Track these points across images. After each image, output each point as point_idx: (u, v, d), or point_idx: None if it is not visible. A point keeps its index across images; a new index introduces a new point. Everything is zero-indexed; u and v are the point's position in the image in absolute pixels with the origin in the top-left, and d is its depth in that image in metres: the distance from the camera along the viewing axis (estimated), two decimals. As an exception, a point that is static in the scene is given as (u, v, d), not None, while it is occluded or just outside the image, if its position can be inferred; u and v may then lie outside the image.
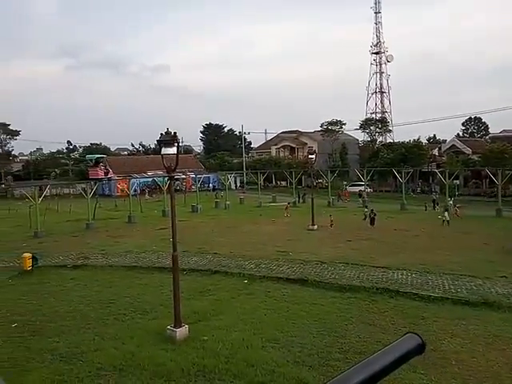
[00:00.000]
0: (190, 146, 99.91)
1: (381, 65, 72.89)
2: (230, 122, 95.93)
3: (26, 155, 78.92)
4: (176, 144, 9.95)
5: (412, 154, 46.97)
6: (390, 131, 61.25)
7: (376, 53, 72.88)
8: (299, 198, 44.12)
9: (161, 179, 54.97)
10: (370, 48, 72.88)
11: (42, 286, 14.91)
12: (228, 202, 39.94)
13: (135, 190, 49.12)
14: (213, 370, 8.48)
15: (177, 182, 62.03)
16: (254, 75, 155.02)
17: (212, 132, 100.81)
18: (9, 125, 59.59)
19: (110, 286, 14.73)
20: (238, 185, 66.26)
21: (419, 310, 11.78)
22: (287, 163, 61.49)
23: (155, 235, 25.18)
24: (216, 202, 42.13)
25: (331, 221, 26.27)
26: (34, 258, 16.84)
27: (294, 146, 72.33)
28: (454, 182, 42.25)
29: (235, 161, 73.87)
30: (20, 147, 74.31)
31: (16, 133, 60.37)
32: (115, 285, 14.82)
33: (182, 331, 10.13)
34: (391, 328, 10.55)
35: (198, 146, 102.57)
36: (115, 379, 8.30)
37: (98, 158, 34.70)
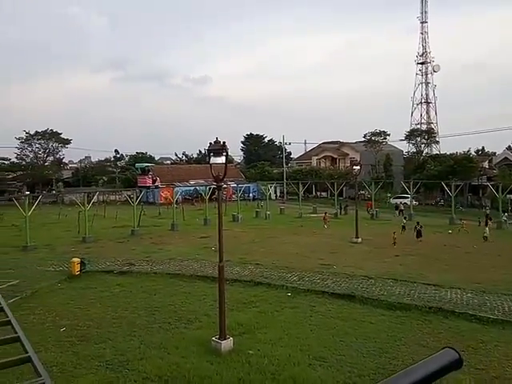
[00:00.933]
0: (230, 156, 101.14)
1: (427, 75, 70.67)
2: (270, 132, 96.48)
3: (76, 163, 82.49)
4: (225, 153, 9.87)
5: (461, 166, 44.87)
6: (436, 142, 59.01)
7: (422, 63, 70.79)
8: (341, 209, 43.20)
9: (203, 188, 55.89)
10: (416, 58, 70.93)
11: (90, 290, 15.24)
12: (268, 212, 39.72)
13: (178, 199, 50.03)
14: (259, 386, 8.20)
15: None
16: (294, 86, 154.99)
17: (253, 142, 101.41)
18: (61, 134, 62.68)
19: (154, 293, 14.83)
20: (278, 195, 65.96)
21: (477, 332, 10.98)
22: (328, 174, 60.61)
23: (197, 243, 25.35)
24: (256, 211, 42.02)
25: (394, 238, 23.96)
26: (82, 263, 17.32)
27: (335, 156, 71.33)
28: (508, 196, 39.88)
29: (275, 171, 73.75)
30: (70, 155, 77.88)
31: (67, 141, 63.34)
32: (159, 292, 14.91)
33: (227, 343, 9.94)
34: (448, 352, 9.85)
35: (238, 156, 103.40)
36: (161, 391, 8.20)
37: (146, 166, 35.69)
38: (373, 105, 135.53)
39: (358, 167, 25.78)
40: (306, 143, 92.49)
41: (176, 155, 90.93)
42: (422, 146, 59.60)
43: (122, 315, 12.58)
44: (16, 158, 61.51)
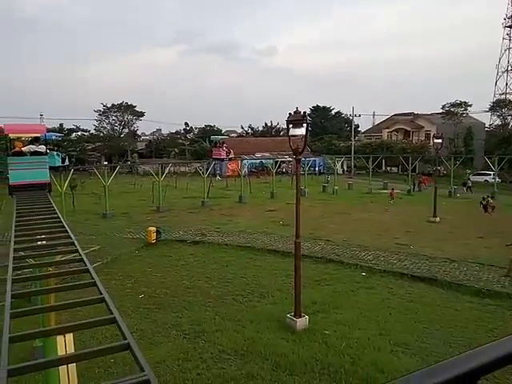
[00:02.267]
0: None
1: (516, 39, 63.27)
2: (338, 104, 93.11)
3: (148, 135, 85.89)
4: (305, 124, 9.30)
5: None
6: (526, 114, 53.11)
7: (510, 26, 63.35)
8: (414, 185, 40.82)
9: (268, 161, 55.68)
10: (504, 21, 63.55)
11: (165, 259, 15.75)
12: (336, 187, 38.61)
13: (245, 172, 50.41)
14: (338, 370, 7.86)
15: (282, 165, 62.38)
16: (363, 56, 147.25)
17: (319, 114, 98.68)
18: (135, 106, 65.32)
19: (226, 264, 14.96)
20: (345, 169, 64.02)
21: None
22: (401, 148, 57.40)
23: (265, 216, 25.27)
24: (323, 186, 41.07)
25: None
26: (157, 232, 17.92)
27: (408, 129, 67.24)
28: None
29: (342, 144, 71.36)
30: (143, 128, 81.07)
31: (141, 114, 65.92)
32: (231, 264, 15.01)
33: (302, 321, 9.68)
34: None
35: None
36: (238, 365, 8.16)
37: (221, 139, 36.04)
38: (454, 74, 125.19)
39: (440, 140, 23.79)
40: (374, 115, 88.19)
41: (242, 128, 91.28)
42: (509, 118, 54.02)
43: (197, 285, 12.81)
44: (94, 129, 65.38)
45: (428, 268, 14.07)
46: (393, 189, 34.10)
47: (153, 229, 17.89)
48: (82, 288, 4.12)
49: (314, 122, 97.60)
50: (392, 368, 7.88)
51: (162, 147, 67.72)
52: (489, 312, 10.67)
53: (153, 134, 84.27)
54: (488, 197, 27.11)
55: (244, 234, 19.78)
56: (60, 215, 8.89)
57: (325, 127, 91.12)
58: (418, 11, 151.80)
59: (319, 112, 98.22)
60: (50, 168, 20.96)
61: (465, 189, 38.05)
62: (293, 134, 9.54)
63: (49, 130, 19.74)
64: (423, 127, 65.62)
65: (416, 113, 71.24)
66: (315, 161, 62.99)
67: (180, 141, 69.54)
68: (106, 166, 41.21)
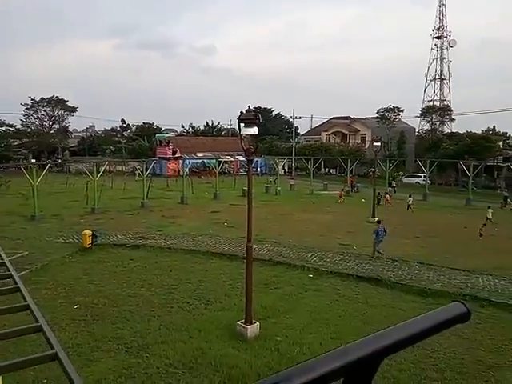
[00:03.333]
0: (235, 129, 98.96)
1: (442, 50, 68.12)
2: (277, 106, 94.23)
3: (80, 132, 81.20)
4: (257, 123, 8.93)
5: (479, 145, 43.54)
6: (452, 120, 57.29)
7: (438, 37, 68.02)
8: (352, 187, 42.29)
9: (211, 161, 54.93)
10: (432, 32, 68.17)
11: (103, 265, 14.63)
12: (279, 188, 38.89)
13: (186, 172, 49.24)
14: (293, 378, 7.54)
15: (225, 165, 61.85)
16: (303, 60, 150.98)
17: (261, 116, 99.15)
18: (67, 101, 61.34)
19: (170, 269, 14.20)
20: (287, 170, 64.95)
21: (518, 324, 10.28)
22: (339, 150, 59.34)
23: (209, 218, 24.65)
24: (266, 187, 41.18)
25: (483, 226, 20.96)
26: (93, 236, 16.67)
27: (346, 132, 69.81)
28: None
29: (283, 146, 72.36)
30: (74, 124, 76.55)
31: (73, 109, 62.00)
32: (175, 269, 14.27)
33: (252, 328, 9.30)
34: (490, 344, 9.20)
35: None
36: (186, 379, 7.58)
37: (167, 137, 34.70)
38: (383, 81, 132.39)
39: (379, 144, 24.70)
40: (312, 118, 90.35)
41: (183, 127, 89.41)
42: (437, 123, 57.94)
43: (139, 293, 11.96)
44: (21, 124, 60.49)
45: (372, 268, 14.36)
46: (342, 189, 35.47)
47: (88, 232, 16.59)
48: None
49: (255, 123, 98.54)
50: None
51: (96, 145, 64.23)
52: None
53: (86, 130, 79.78)
54: (410, 196, 30.25)
55: (188, 236, 19.05)
56: None
57: (266, 128, 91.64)
58: (355, 18, 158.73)
59: (261, 113, 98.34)
60: None
61: (390, 189, 40.17)
62: (245, 133, 9.13)
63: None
64: (359, 131, 68.50)
65: (352, 117, 74.12)
66: (257, 161, 63.28)
67: (116, 138, 66.47)
68: (34, 163, 38.14)
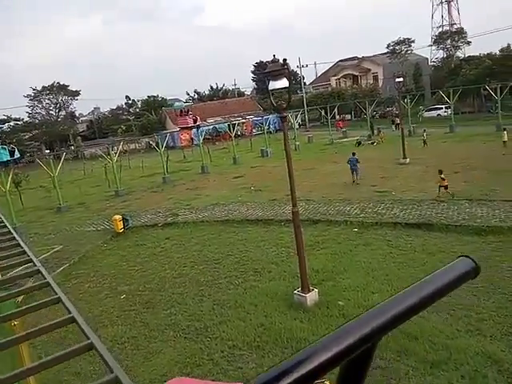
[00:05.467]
0: (238, 88, 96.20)
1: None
2: (281, 57, 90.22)
3: (86, 115, 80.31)
4: (286, 74, 7.91)
5: (501, 66, 40.87)
6: (468, 44, 53.85)
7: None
8: (373, 130, 40.72)
9: (222, 126, 53.67)
10: None
11: (139, 248, 14.23)
12: (298, 143, 37.68)
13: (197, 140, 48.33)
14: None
15: (237, 128, 60.49)
16: (295, 4, 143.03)
17: (263, 70, 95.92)
18: (68, 86, 60.16)
19: (208, 243, 13.69)
20: (300, 123, 63.15)
21: None
22: (352, 93, 57.05)
23: (234, 184, 23.96)
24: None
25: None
26: (124, 219, 16.22)
27: (356, 73, 66.86)
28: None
29: (293, 98, 70.01)
30: (80, 108, 75.48)
31: (76, 93, 60.89)
32: (213, 242, 13.76)
33: (311, 296, 8.73)
34: None
35: (249, 88, 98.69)
36: (255, 361, 7.12)
37: (186, 106, 33.39)
38: (385, 12, 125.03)
39: (401, 79, 23.07)
40: (316, 64, 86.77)
41: (188, 94, 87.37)
42: (452, 49, 54.68)
43: (183, 272, 11.52)
44: (28, 117, 59.94)
45: (419, 213, 13.53)
46: (379, 130, 35.76)
47: (118, 217, 16.14)
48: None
49: (260, 79, 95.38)
50: (427, 333, 7.13)
51: (104, 126, 63.45)
52: (496, 250, 10.22)
53: (92, 113, 78.80)
54: (424, 131, 29.69)
55: (218, 206, 18.45)
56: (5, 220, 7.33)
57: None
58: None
59: (263, 68, 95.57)
60: None
61: (393, 126, 39.01)
62: (273, 87, 8.14)
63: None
64: (370, 70, 65.47)
65: (360, 56, 70.77)
66: (269, 118, 61.67)
67: (124, 116, 65.46)
68: (48, 154, 37.79)
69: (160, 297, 10.16)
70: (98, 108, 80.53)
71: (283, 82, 8.06)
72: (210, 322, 8.62)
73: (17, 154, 17.90)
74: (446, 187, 15.12)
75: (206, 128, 56.50)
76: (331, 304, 8.63)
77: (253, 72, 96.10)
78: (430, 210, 13.59)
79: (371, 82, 63.14)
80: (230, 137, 36.05)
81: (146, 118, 60.19)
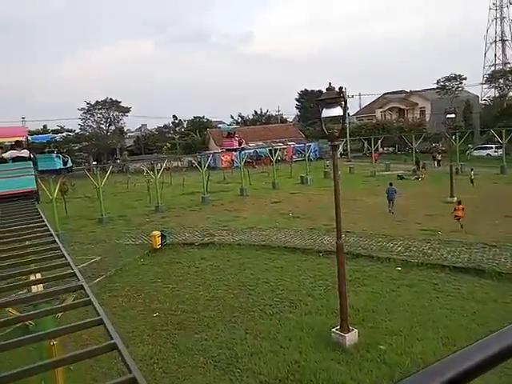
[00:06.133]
0: (281, 115, 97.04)
1: (502, 9, 61.80)
2: (323, 87, 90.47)
3: (133, 131, 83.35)
4: (342, 103, 7.73)
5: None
6: (524, 83, 51.88)
7: (496, -5, 61.86)
8: (418, 165, 39.56)
9: (263, 150, 54.02)
10: (490, -11, 61.99)
11: (175, 266, 14.19)
12: (339, 172, 37.07)
13: (237, 162, 48.83)
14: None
15: (278, 153, 60.71)
16: (347, 35, 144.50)
17: (308, 98, 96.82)
18: (120, 102, 62.85)
19: (243, 268, 13.45)
20: (342, 153, 62.58)
21: None
22: (398, 127, 56.10)
23: (272, 209, 23.74)
24: (325, 172, 39.62)
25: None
26: (162, 236, 16.33)
27: (402, 107, 65.92)
28: None
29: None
30: (128, 124, 78.32)
31: (127, 110, 63.53)
32: (249, 267, 13.51)
33: (351, 336, 8.23)
34: None
35: (291, 115, 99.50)
36: (288, 401, 6.71)
37: (233, 128, 33.94)
38: (436, 49, 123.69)
39: (453, 115, 22.39)
40: (360, 96, 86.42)
41: (232, 117, 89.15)
42: (506, 88, 52.85)
43: (216, 295, 11.30)
44: (80, 129, 62.90)
45: (468, 256, 12.73)
46: (419, 164, 35.64)
47: (157, 233, 16.28)
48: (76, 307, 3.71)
49: (304, 106, 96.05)
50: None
51: (151, 143, 65.50)
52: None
53: (139, 129, 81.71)
54: (472, 170, 28.44)
55: (255, 230, 18.24)
56: (50, 227, 7.50)
57: (315, 111, 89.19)
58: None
59: (308, 96, 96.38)
60: (51, 171, 19.33)
61: (435, 163, 39.81)
62: (327, 115, 7.98)
63: (32, 133, 17.98)
64: (417, 104, 64.41)
65: (408, 90, 69.89)
66: (310, 146, 61.55)
67: (169, 135, 67.40)
68: (95, 166, 39.26)
69: (192, 319, 9.96)
70: (145, 125, 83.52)
71: (337, 111, 7.88)
72: (242, 351, 8.29)
73: (69, 164, 18.54)
74: (458, 218, 15.95)
75: (248, 151, 57.16)
76: (372, 347, 8.10)
77: (297, 99, 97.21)
78: (480, 255, 12.75)
79: (418, 116, 62.00)
80: (271, 161, 36.16)
81: (191, 138, 61.65)
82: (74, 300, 4.62)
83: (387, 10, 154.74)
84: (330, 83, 7.87)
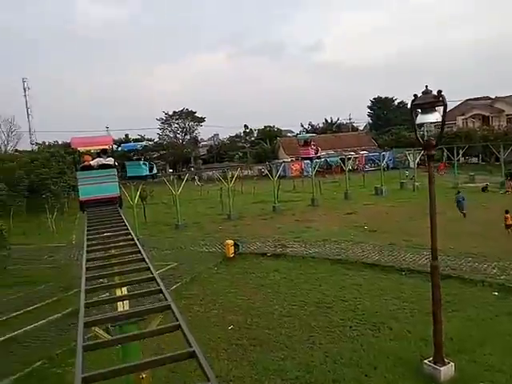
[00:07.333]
0: (352, 123, 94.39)
1: None
2: (399, 94, 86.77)
3: (206, 141, 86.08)
4: (442, 107, 6.95)
5: None
6: None
7: None
8: (508, 177, 36.07)
9: (334, 159, 52.83)
10: None
11: (248, 276, 14.01)
12: (417, 183, 35.02)
13: (307, 171, 48.18)
14: None
15: (349, 162, 59.08)
16: (422, 42, 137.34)
17: (381, 106, 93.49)
18: (195, 112, 65.31)
19: (318, 283, 12.87)
20: (419, 162, 59.21)
21: None
22: (482, 135, 51.91)
23: (345, 221, 22.82)
24: (401, 182, 37.66)
25: None
26: (235, 245, 16.29)
27: (486, 114, 60.96)
28: None
29: (413, 136, 66.26)
30: (202, 133, 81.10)
31: (202, 120, 65.90)
32: (324, 282, 12.89)
33: (447, 370, 7.34)
34: None
35: (362, 123, 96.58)
36: None
37: (310, 137, 33.78)
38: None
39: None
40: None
41: (302, 126, 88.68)
42: None
43: (292, 312, 10.85)
44: (158, 138, 66.27)
45: None
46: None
47: (230, 242, 16.27)
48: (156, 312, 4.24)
49: (377, 114, 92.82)
50: None
51: (222, 151, 67.21)
52: None
53: (212, 138, 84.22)
54: None
55: (329, 243, 17.54)
56: (133, 233, 7.70)
57: (388, 119, 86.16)
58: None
59: (381, 103, 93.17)
60: (138, 177, 20.55)
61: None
62: (422, 121, 7.26)
63: (115, 142, 19.07)
64: (503, 111, 59.23)
65: (493, 96, 64.65)
66: (384, 155, 59.05)
67: (240, 144, 68.64)
68: (172, 173, 40.89)
69: (268, 335, 9.60)
70: (217, 134, 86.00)
71: (435, 116, 7.13)
72: (322, 377, 7.74)
73: (154, 170, 19.45)
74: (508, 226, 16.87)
75: (318, 160, 56.27)
76: (471, 384, 7.14)
77: (369, 107, 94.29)
78: None
79: (504, 124, 56.97)
80: (342, 170, 35.08)
81: (261, 147, 62.18)
82: (160, 322, 4.43)
83: (467, 15, 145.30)
84: (426, 86, 7.13)
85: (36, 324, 11.00)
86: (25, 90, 61.15)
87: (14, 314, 11.88)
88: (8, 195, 29.81)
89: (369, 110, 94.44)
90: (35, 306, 12.51)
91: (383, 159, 40.33)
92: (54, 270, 16.64)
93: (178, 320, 3.87)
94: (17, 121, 56.42)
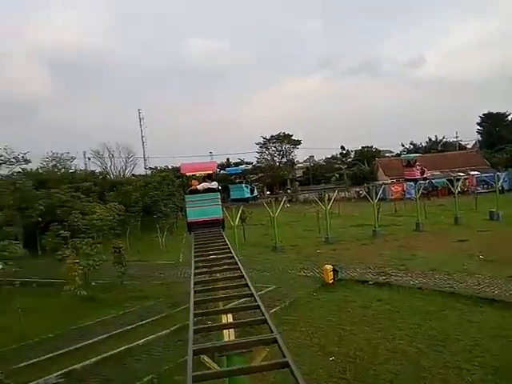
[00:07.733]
0: (459, 141, 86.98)
1: None
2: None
3: (301, 163, 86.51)
4: None
5: None
6: None
7: None
8: None
9: (438, 181, 49.30)
10: None
11: (349, 305, 13.46)
12: (543, 208, 30.86)
13: (409, 194, 45.46)
14: None
15: (458, 183, 54.49)
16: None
17: (493, 122, 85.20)
18: (292, 136, 66.38)
19: (428, 317, 11.85)
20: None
21: None
22: None
23: (456, 248, 20.89)
24: (522, 206, 33.50)
25: None
26: (334, 271, 15.86)
27: None
28: None
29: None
30: (298, 155, 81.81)
31: (298, 142, 66.75)
32: (435, 317, 11.83)
33: None
34: None
35: (470, 141, 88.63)
36: None
37: (414, 157, 32.37)
38: None
39: None
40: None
41: (402, 145, 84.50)
42: None
43: (399, 347, 10.11)
44: (256, 161, 68.48)
45: None
46: None
47: (329, 267, 15.89)
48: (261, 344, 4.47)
49: (488, 131, 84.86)
50: None
51: (318, 173, 66.96)
52: None
53: (307, 160, 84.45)
54: None
55: (438, 273, 16.15)
56: (236, 257, 8.02)
57: (501, 136, 78.19)
58: None
59: (492, 119, 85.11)
60: (241, 200, 21.62)
61: None
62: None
63: (219, 166, 20.17)
64: None
65: None
66: (498, 175, 53.38)
67: (337, 165, 67.76)
68: (269, 196, 41.72)
69: (373, 371, 9.03)
70: (313, 156, 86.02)
71: None
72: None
73: (255, 193, 20.19)
74: None
75: (423, 182, 52.86)
76: None
77: (478, 123, 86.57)
78: None
79: None
80: (450, 193, 32.38)
81: (358, 168, 60.64)
82: (266, 355, 4.42)
83: None
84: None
85: (147, 338, 11.78)
86: (140, 119, 68.26)
87: (129, 328, 12.88)
88: (126, 216, 33.02)
89: (478, 127, 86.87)
90: (146, 320, 13.45)
91: (498, 180, 36.43)
92: (164, 287, 17.82)
93: (284, 356, 3.84)
94: (133, 147, 62.45)
